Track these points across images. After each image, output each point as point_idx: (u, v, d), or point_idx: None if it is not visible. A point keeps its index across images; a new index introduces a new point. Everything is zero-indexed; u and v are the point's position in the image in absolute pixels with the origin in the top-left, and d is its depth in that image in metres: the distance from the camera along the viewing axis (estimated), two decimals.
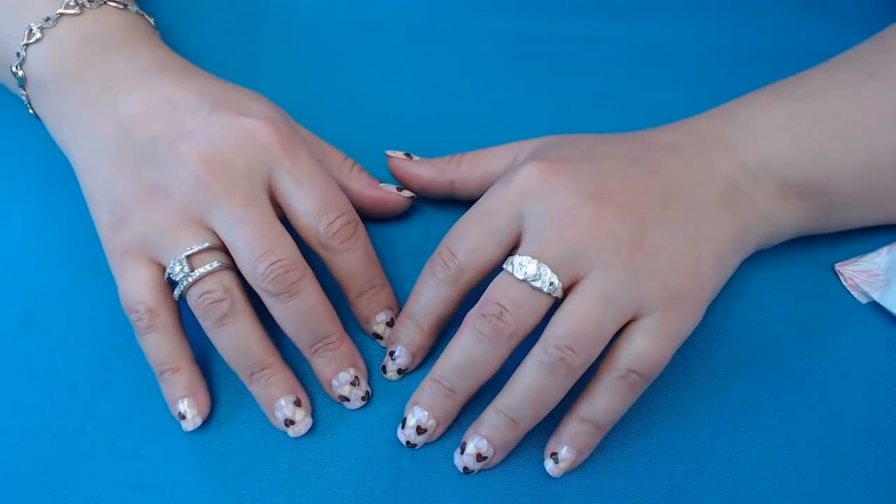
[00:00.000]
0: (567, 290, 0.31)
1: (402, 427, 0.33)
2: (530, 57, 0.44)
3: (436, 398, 0.32)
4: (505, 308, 0.30)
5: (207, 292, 0.31)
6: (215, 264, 0.31)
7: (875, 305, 0.36)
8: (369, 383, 0.34)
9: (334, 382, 0.33)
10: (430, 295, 0.33)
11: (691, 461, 0.33)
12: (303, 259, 0.32)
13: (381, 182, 0.38)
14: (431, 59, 0.44)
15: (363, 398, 0.34)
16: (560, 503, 0.32)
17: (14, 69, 0.36)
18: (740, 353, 0.36)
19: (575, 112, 0.42)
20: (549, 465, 0.32)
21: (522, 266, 0.30)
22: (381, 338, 0.35)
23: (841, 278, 0.37)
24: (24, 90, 0.37)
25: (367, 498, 0.32)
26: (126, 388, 0.34)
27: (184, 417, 0.33)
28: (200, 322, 0.32)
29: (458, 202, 0.38)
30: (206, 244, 0.32)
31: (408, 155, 0.38)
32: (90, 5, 0.36)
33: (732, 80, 0.39)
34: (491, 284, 0.31)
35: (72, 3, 0.36)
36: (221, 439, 0.33)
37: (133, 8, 0.38)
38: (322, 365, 0.33)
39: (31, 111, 0.38)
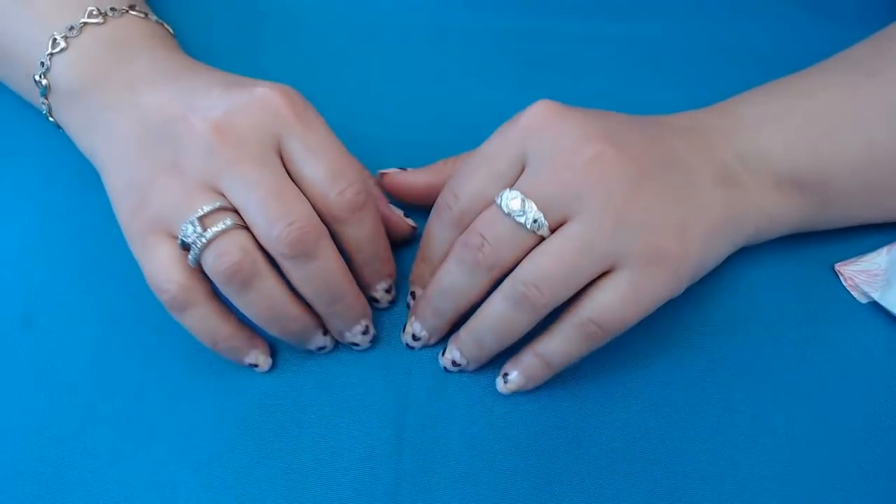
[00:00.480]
0: (554, 231, 0.31)
1: (403, 331, 0.35)
2: (530, 57, 0.44)
3: (425, 315, 0.34)
4: (486, 240, 0.31)
5: (225, 253, 0.30)
6: (228, 222, 0.31)
7: (875, 305, 0.36)
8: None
9: (347, 333, 0.34)
10: (438, 236, 0.34)
11: (691, 461, 0.33)
12: (319, 220, 0.31)
13: (389, 202, 0.37)
14: (431, 59, 0.44)
15: (371, 340, 0.35)
16: (560, 503, 0.32)
17: (38, 78, 0.36)
18: (740, 353, 0.36)
19: None
20: (499, 382, 0.34)
21: (508, 201, 0.31)
22: (377, 301, 0.36)
23: (841, 278, 0.37)
24: (47, 99, 0.37)
25: (367, 498, 0.32)
26: (126, 388, 0.34)
27: (256, 366, 0.34)
28: (222, 288, 0.31)
29: None
30: (217, 204, 0.31)
31: (401, 169, 0.38)
32: (113, 14, 0.36)
33: (732, 80, 0.39)
34: (479, 215, 0.32)
35: (95, 12, 0.36)
36: (221, 440, 0.33)
37: (153, 17, 0.39)
38: (337, 322, 0.34)
39: (51, 119, 0.37)
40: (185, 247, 0.31)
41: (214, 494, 0.32)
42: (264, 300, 0.31)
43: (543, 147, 0.31)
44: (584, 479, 0.33)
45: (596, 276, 0.31)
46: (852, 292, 0.37)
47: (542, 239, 0.31)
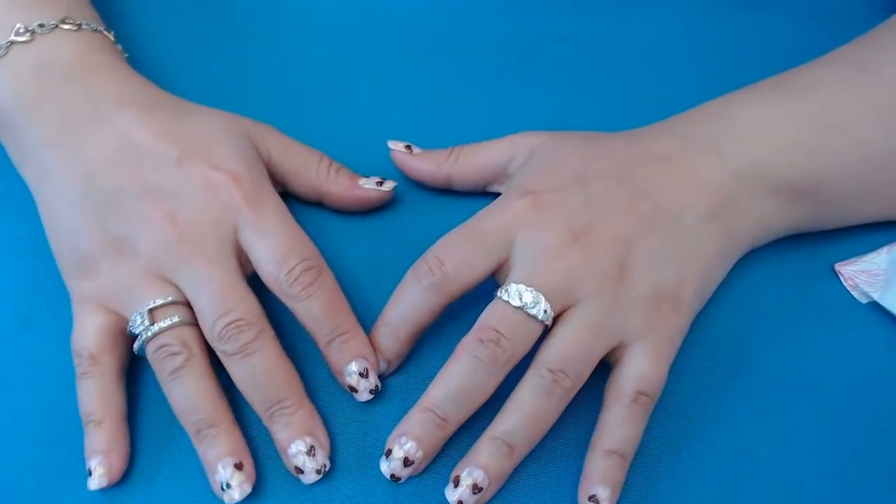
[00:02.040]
0: (555, 320, 0.32)
1: (386, 458, 0.32)
2: (530, 57, 0.44)
3: (426, 428, 0.31)
4: (502, 334, 0.31)
5: (165, 345, 0.32)
6: (175, 319, 0.32)
7: (875, 305, 0.36)
8: (331, 457, 0.33)
9: (289, 450, 0.32)
10: (412, 301, 0.33)
11: (691, 461, 0.33)
12: (263, 319, 0.32)
13: (361, 177, 0.38)
14: (431, 58, 0.44)
15: (318, 471, 0.32)
16: (560, 503, 0.32)
17: None
18: (740, 353, 0.36)
19: (574, 112, 0.42)
20: None
21: (520, 293, 0.31)
22: (356, 391, 0.33)
23: (841, 278, 0.37)
24: None
25: (366, 498, 0.32)
26: (126, 387, 0.34)
27: (90, 474, 0.32)
28: (157, 376, 0.32)
29: (446, 209, 0.39)
30: (170, 298, 0.32)
31: (408, 147, 0.39)
32: (41, 31, 0.35)
33: (731, 80, 0.39)
34: (485, 312, 0.32)
35: (21, 30, 0.35)
36: None
37: (89, 26, 0.37)
38: (276, 430, 0.32)
39: None
40: (133, 336, 0.32)
41: (214, 495, 0.32)
42: (186, 392, 0.31)
43: (533, 239, 0.32)
44: (579, 470, 0.33)
45: (606, 352, 0.32)
46: (852, 292, 0.37)
47: (546, 329, 0.32)
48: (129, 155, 0.33)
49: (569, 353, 0.31)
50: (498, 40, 0.45)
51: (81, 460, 0.33)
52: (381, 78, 0.43)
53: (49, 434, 0.34)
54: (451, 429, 0.32)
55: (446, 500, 0.31)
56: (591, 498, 0.31)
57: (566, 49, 0.44)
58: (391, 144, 0.39)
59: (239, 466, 0.31)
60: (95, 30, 0.37)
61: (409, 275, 0.33)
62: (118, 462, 0.32)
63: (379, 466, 0.32)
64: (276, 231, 0.33)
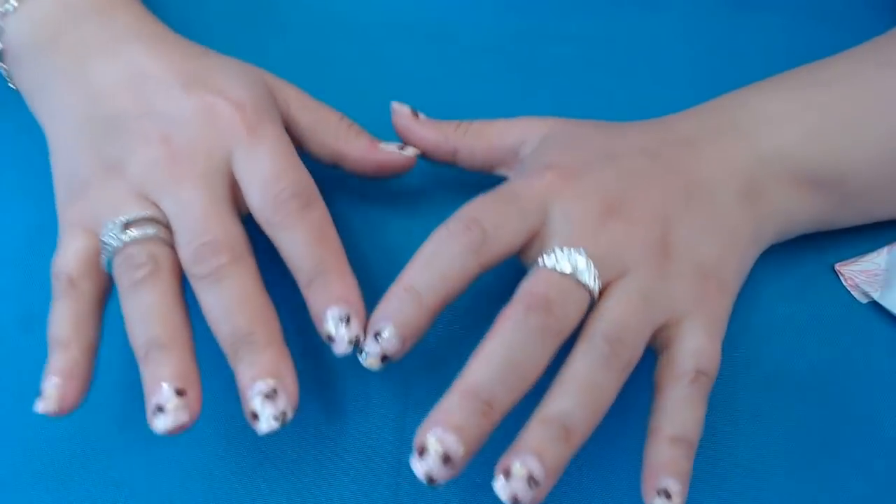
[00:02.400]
0: (600, 294, 0.29)
1: (420, 456, 0.26)
2: (530, 57, 0.44)
3: (468, 415, 0.26)
4: (553, 300, 0.27)
5: (131, 255, 0.29)
6: (149, 231, 0.29)
7: (875, 305, 0.36)
8: (294, 407, 0.28)
9: (247, 392, 0.27)
10: (444, 262, 0.28)
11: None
12: (243, 245, 0.29)
13: (381, 142, 0.35)
14: (431, 58, 0.44)
15: (276, 418, 0.27)
16: (560, 502, 0.32)
17: None
18: (740, 353, 0.36)
19: (575, 112, 0.42)
20: None
21: (570, 257, 0.28)
22: (333, 340, 0.29)
23: (841, 278, 0.37)
24: (3, 63, 0.36)
25: (366, 498, 0.32)
26: (126, 387, 0.34)
27: (41, 396, 0.28)
28: (118, 288, 0.29)
29: (464, 196, 0.38)
30: (147, 213, 0.30)
31: (414, 112, 0.36)
32: None
33: (732, 80, 0.39)
34: (529, 279, 0.29)
35: None
36: (222, 440, 0.33)
37: None
38: (240, 370, 0.28)
39: (11, 85, 0.37)
40: (104, 245, 0.30)
41: (215, 495, 0.32)
42: (140, 305, 0.28)
43: (570, 211, 0.30)
44: (583, 477, 0.33)
45: (657, 328, 0.30)
46: (852, 292, 0.37)
47: (592, 301, 0.29)
48: (134, 82, 0.32)
49: (624, 321, 0.28)
50: (500, 40, 0.45)
51: (82, 460, 0.33)
52: (379, 78, 0.43)
53: (49, 434, 0.34)
54: (497, 417, 0.26)
55: (446, 500, 0.31)
56: (662, 492, 0.27)
57: (568, 49, 0.44)
58: (395, 106, 0.36)
59: (181, 392, 0.27)
60: None
61: (440, 234, 0.29)
62: (74, 390, 0.28)
63: (378, 467, 0.32)
64: (268, 156, 0.31)
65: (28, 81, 0.36)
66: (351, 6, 0.46)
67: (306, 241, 0.30)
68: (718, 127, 0.34)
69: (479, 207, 0.30)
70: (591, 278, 0.28)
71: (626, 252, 0.30)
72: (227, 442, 0.33)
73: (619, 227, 0.30)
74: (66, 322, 0.29)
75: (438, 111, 0.42)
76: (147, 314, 0.28)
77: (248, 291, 0.29)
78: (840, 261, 0.37)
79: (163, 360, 0.27)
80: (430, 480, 0.26)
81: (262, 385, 0.27)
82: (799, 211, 0.34)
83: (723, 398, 0.34)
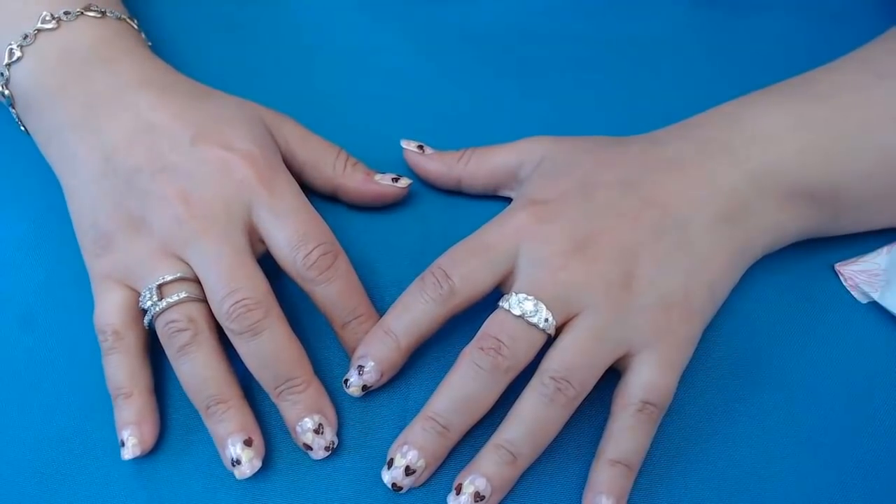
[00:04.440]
0: (559, 329, 0.32)
1: (388, 468, 0.32)
2: (530, 57, 0.44)
3: (428, 437, 0.31)
4: (503, 342, 0.31)
5: (172, 321, 0.32)
6: (182, 294, 0.32)
7: (875, 305, 0.36)
8: (338, 433, 0.33)
9: (298, 428, 0.32)
10: (416, 312, 0.32)
11: (691, 461, 0.33)
12: (271, 298, 0.32)
13: (376, 173, 0.38)
14: (431, 59, 0.44)
15: (326, 448, 0.32)
16: (559, 502, 0.32)
17: (0, 89, 0.36)
18: (740, 353, 0.36)
19: (575, 112, 0.42)
20: None
21: (520, 303, 0.31)
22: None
23: (841, 278, 0.37)
24: (13, 109, 0.37)
25: (367, 498, 0.32)
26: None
27: (123, 445, 0.32)
28: (166, 352, 0.32)
29: (459, 201, 0.39)
30: (178, 274, 0.32)
31: (420, 147, 0.39)
32: (67, 18, 0.36)
33: (733, 80, 0.39)
34: (487, 321, 0.32)
35: (48, 18, 0.36)
36: None
37: (113, 13, 0.37)
38: (286, 408, 0.32)
39: (22, 129, 0.38)
40: (143, 311, 0.33)
41: (214, 494, 0.32)
42: (194, 368, 0.32)
43: (536, 250, 0.32)
44: (582, 479, 0.33)
45: (613, 361, 0.32)
46: (852, 292, 0.37)
47: (548, 339, 0.32)
48: (146, 136, 0.34)
49: (572, 361, 0.31)
50: (503, 40, 0.45)
51: (81, 460, 0.33)
52: (380, 78, 0.43)
53: (49, 434, 0.34)
54: (453, 437, 0.32)
55: (447, 501, 0.31)
56: None
57: (568, 49, 0.44)
58: (404, 144, 0.39)
59: (248, 442, 0.32)
60: (119, 17, 0.38)
61: (414, 285, 0.33)
62: (150, 432, 0.32)
63: (378, 467, 0.32)
64: (292, 213, 0.33)
65: (39, 129, 0.37)
66: (348, 5, 0.46)
67: (339, 294, 0.33)
68: (709, 146, 0.34)
69: (450, 261, 0.33)
70: (540, 320, 0.31)
71: (585, 290, 0.31)
72: None
73: (581, 266, 0.32)
74: (122, 373, 0.33)
75: (439, 112, 0.42)
76: (198, 376, 0.32)
77: (282, 342, 0.32)
78: (840, 261, 0.37)
79: (224, 417, 0.32)
80: (395, 487, 0.32)
81: (310, 422, 0.32)
82: (789, 224, 0.35)
83: (722, 398, 0.35)
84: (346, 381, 0.33)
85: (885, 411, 0.34)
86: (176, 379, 0.33)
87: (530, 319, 0.31)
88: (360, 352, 0.33)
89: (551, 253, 0.32)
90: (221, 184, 0.33)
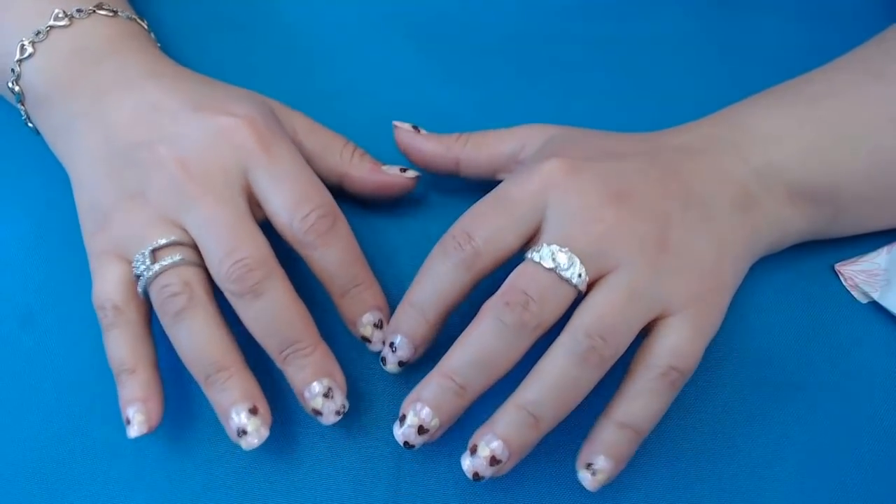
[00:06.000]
0: (590, 287, 0.30)
1: (400, 424, 0.30)
2: (532, 56, 0.44)
3: (443, 395, 0.29)
4: (531, 297, 0.29)
5: (166, 286, 0.30)
6: (177, 258, 0.31)
7: (875, 305, 0.36)
8: (348, 397, 0.32)
9: (306, 393, 0.31)
10: (440, 279, 0.30)
11: (690, 460, 0.33)
12: (273, 259, 0.31)
13: (384, 164, 0.37)
14: (432, 59, 0.44)
15: (338, 412, 0.31)
16: (559, 502, 0.32)
17: (10, 85, 0.36)
18: (740, 353, 0.36)
19: (576, 112, 0.42)
20: (584, 477, 0.30)
21: (553, 255, 0.29)
22: (369, 341, 0.33)
23: (841, 278, 0.37)
24: (22, 105, 0.37)
25: (367, 498, 0.32)
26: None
27: (129, 423, 0.31)
28: (160, 319, 0.31)
29: (459, 199, 0.39)
30: (173, 238, 0.31)
31: (415, 128, 0.37)
32: (79, 15, 0.36)
33: (734, 81, 0.39)
34: (514, 272, 0.30)
35: (60, 15, 0.36)
36: (222, 439, 0.33)
37: (125, 13, 0.38)
38: (293, 373, 0.31)
39: (29, 125, 0.38)
40: (137, 277, 0.32)
41: (214, 494, 0.32)
42: (190, 335, 0.30)
43: (567, 203, 0.30)
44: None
45: (646, 323, 0.30)
46: (852, 292, 0.37)
47: (578, 296, 0.30)
48: (149, 115, 0.33)
49: (606, 318, 0.29)
50: (500, 40, 0.45)
51: (81, 460, 0.33)
52: (380, 78, 0.43)
53: (48, 434, 0.34)
54: (469, 398, 0.29)
55: (446, 500, 0.31)
56: (588, 466, 0.30)
57: (569, 49, 0.44)
58: (397, 124, 0.37)
59: (254, 411, 0.30)
60: (130, 17, 0.38)
61: (436, 251, 0.31)
62: (156, 409, 0.31)
63: (378, 467, 0.32)
64: (290, 176, 0.32)
65: (48, 124, 0.36)
66: (348, 5, 0.46)
67: (338, 259, 0.32)
68: (715, 141, 0.34)
69: (472, 221, 0.31)
70: (574, 274, 0.29)
71: (620, 245, 0.30)
72: (227, 442, 0.33)
73: (617, 219, 0.30)
74: (124, 349, 0.32)
75: (439, 112, 0.42)
76: (196, 344, 0.30)
77: (286, 303, 0.31)
78: (840, 261, 0.37)
79: (227, 385, 0.30)
80: (407, 445, 0.30)
81: (318, 386, 0.31)
82: (792, 223, 0.35)
83: (722, 398, 0.35)
84: (384, 359, 0.32)
85: (885, 411, 0.34)
86: (176, 380, 0.33)
87: (563, 273, 0.29)
88: (390, 327, 0.32)
89: (585, 204, 0.30)
90: (220, 147, 0.32)
